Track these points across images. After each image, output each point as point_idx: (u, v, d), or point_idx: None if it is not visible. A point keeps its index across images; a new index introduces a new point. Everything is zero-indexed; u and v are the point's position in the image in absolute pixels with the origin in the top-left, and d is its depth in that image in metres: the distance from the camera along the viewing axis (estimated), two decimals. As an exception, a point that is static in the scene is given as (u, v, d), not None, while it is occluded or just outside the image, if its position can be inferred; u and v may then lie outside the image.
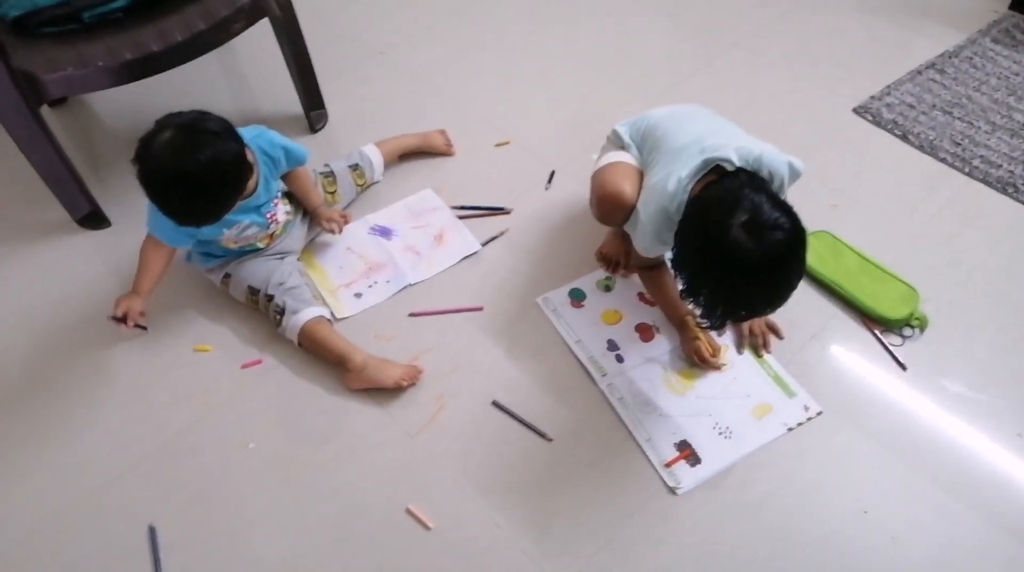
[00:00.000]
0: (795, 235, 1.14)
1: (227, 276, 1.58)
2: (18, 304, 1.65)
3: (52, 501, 1.36)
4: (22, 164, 1.66)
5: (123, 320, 1.44)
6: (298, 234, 1.66)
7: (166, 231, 1.45)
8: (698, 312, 1.24)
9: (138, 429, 1.44)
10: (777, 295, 1.17)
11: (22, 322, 1.62)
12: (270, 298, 1.53)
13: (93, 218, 1.77)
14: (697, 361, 1.48)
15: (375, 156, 1.81)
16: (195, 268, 1.63)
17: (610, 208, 1.45)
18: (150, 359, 1.54)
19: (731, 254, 1.12)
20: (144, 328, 1.49)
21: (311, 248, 1.71)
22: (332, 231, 1.64)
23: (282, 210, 1.58)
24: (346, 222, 1.65)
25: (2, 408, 1.48)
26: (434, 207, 1.80)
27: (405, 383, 1.46)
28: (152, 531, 1.31)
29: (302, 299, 1.52)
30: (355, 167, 1.77)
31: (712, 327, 1.24)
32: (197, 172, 1.29)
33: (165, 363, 1.54)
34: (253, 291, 1.55)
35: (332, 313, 1.59)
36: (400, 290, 1.64)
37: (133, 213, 1.80)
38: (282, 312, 1.51)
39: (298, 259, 1.65)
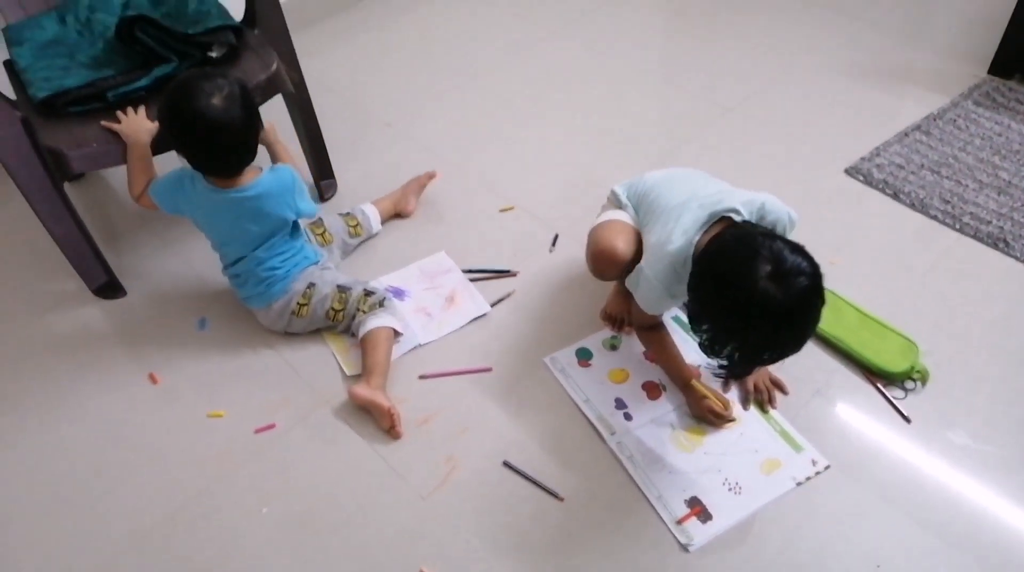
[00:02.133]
0: (816, 275, 1.16)
1: (311, 285, 1.64)
2: (34, 372, 1.68)
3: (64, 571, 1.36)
4: (38, 236, 1.71)
5: None
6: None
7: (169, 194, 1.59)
8: (720, 364, 1.24)
9: (151, 496, 1.45)
10: (806, 334, 1.18)
11: (39, 388, 1.64)
12: (370, 293, 1.66)
13: (109, 288, 1.82)
14: (712, 419, 1.49)
15: (368, 207, 1.91)
16: (249, 310, 1.71)
17: (603, 263, 1.51)
18: (163, 426, 1.56)
19: (761, 307, 1.13)
20: None
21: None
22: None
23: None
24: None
25: (12, 478, 1.50)
26: (447, 269, 1.85)
27: (395, 413, 1.50)
28: (165, 599, 1.31)
29: (396, 306, 1.68)
30: (345, 214, 1.87)
31: (737, 376, 1.24)
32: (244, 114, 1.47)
33: (178, 429, 1.55)
34: (343, 289, 1.65)
35: (343, 369, 1.63)
36: (410, 350, 1.67)
37: (147, 282, 1.86)
38: (382, 302, 1.64)
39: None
